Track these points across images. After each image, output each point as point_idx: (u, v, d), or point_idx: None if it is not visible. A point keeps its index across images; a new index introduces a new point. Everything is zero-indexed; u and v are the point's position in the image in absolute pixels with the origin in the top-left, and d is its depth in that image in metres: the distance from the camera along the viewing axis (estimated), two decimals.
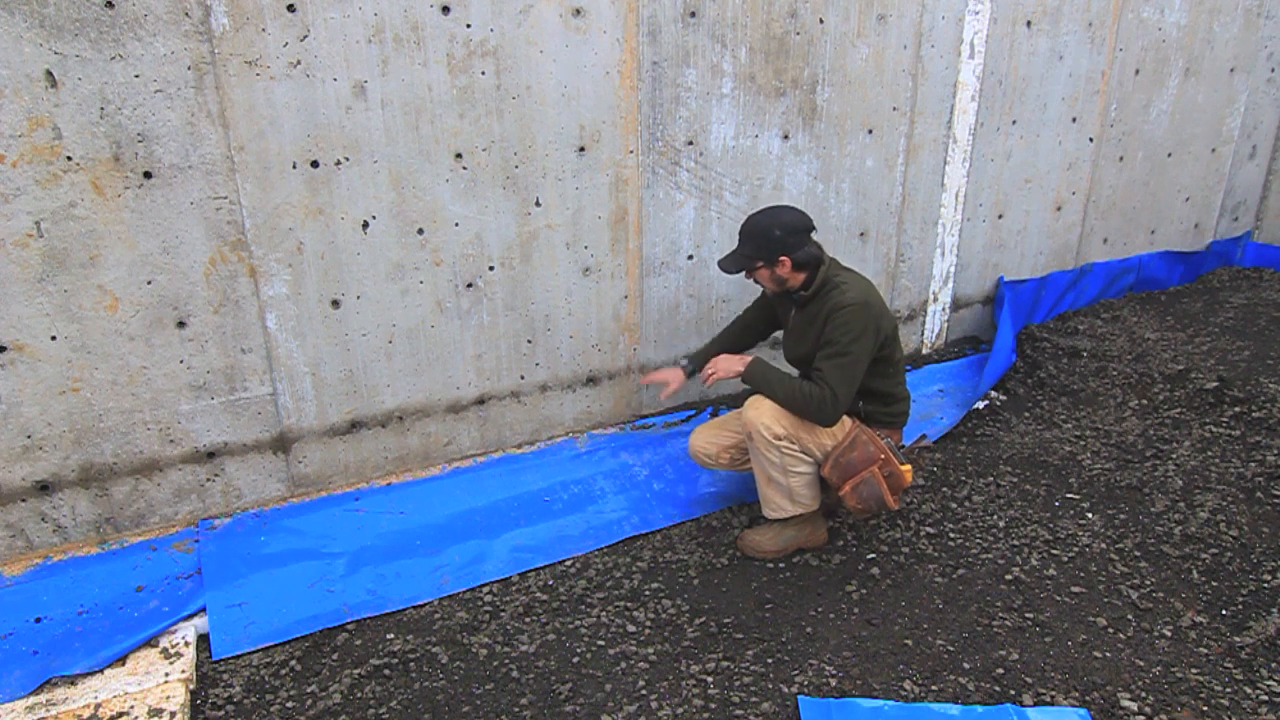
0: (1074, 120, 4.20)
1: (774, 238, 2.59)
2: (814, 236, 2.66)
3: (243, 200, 2.49)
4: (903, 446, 2.82)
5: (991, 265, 4.27)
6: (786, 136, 3.35)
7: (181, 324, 2.53)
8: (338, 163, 2.58)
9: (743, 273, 2.72)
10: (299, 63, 2.45)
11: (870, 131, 3.56)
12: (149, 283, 2.45)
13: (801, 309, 2.73)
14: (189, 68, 2.33)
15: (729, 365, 2.75)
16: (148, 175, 2.37)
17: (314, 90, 2.49)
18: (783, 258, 2.60)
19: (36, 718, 2.07)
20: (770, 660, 2.29)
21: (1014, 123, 4.00)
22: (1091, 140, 4.32)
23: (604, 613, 2.51)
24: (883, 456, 2.58)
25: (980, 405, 3.78)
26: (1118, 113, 4.35)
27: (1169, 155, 4.69)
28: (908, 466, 2.63)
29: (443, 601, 2.57)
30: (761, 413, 2.60)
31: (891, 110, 3.57)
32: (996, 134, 3.96)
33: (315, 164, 2.55)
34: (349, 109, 2.55)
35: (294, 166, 2.52)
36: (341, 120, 2.55)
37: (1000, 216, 4.18)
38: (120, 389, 2.51)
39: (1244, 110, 4.87)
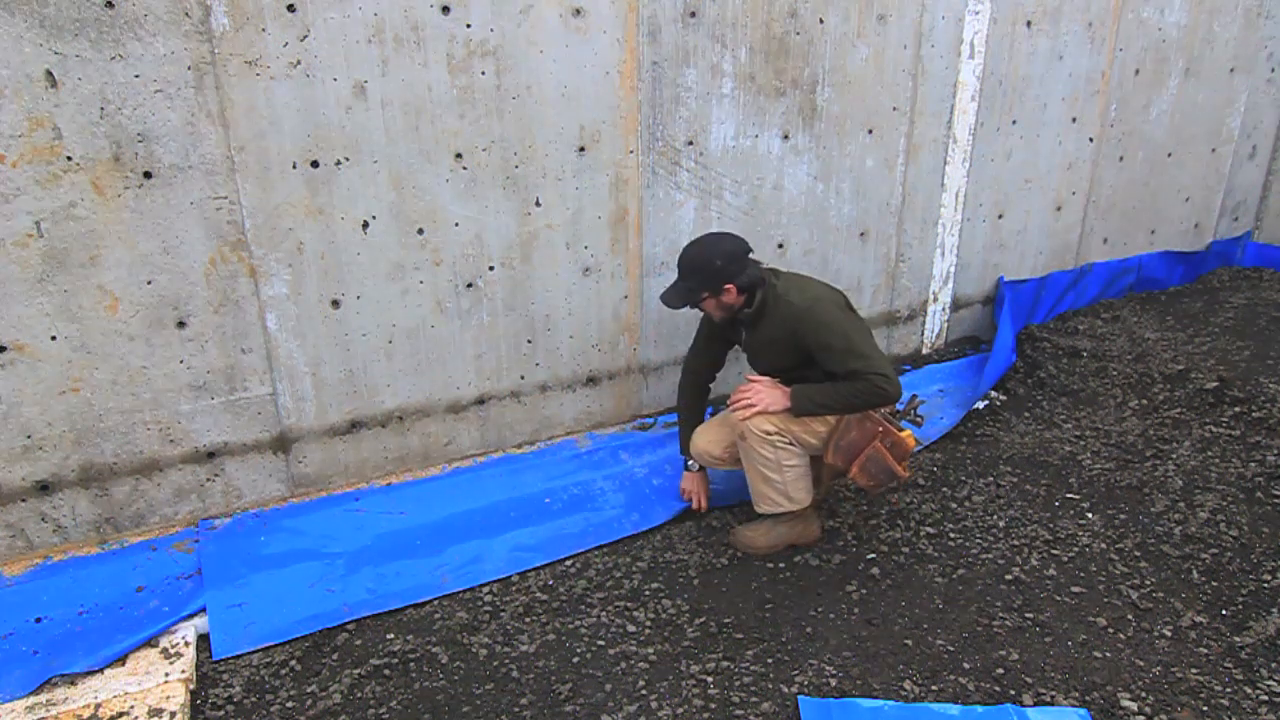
0: (1074, 120, 4.20)
1: (715, 268, 2.58)
2: (809, 237, 2.66)
3: (243, 200, 2.49)
4: (895, 413, 2.81)
5: (991, 265, 4.27)
6: (786, 136, 3.35)
7: (182, 324, 2.53)
8: (338, 163, 2.58)
9: (687, 306, 2.68)
10: (299, 63, 2.45)
11: (870, 131, 3.56)
12: (149, 283, 2.45)
13: (754, 328, 2.72)
14: (189, 68, 2.33)
15: (771, 399, 2.60)
16: (148, 175, 2.37)
17: (314, 90, 2.49)
18: (728, 285, 2.59)
19: (37, 717, 2.07)
20: (770, 660, 2.29)
21: (1014, 123, 4.00)
22: (1091, 140, 4.32)
23: (604, 613, 2.51)
24: (881, 429, 2.59)
25: (980, 405, 3.78)
26: (1118, 113, 4.35)
27: (1169, 155, 4.69)
28: (907, 432, 2.63)
29: (442, 601, 2.57)
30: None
31: (891, 110, 3.57)
32: (996, 134, 3.96)
33: (315, 164, 2.55)
34: (349, 109, 2.55)
35: (294, 166, 2.52)
36: (342, 120, 2.55)
37: (1000, 216, 4.17)
38: (120, 389, 2.51)
39: (1244, 110, 4.87)
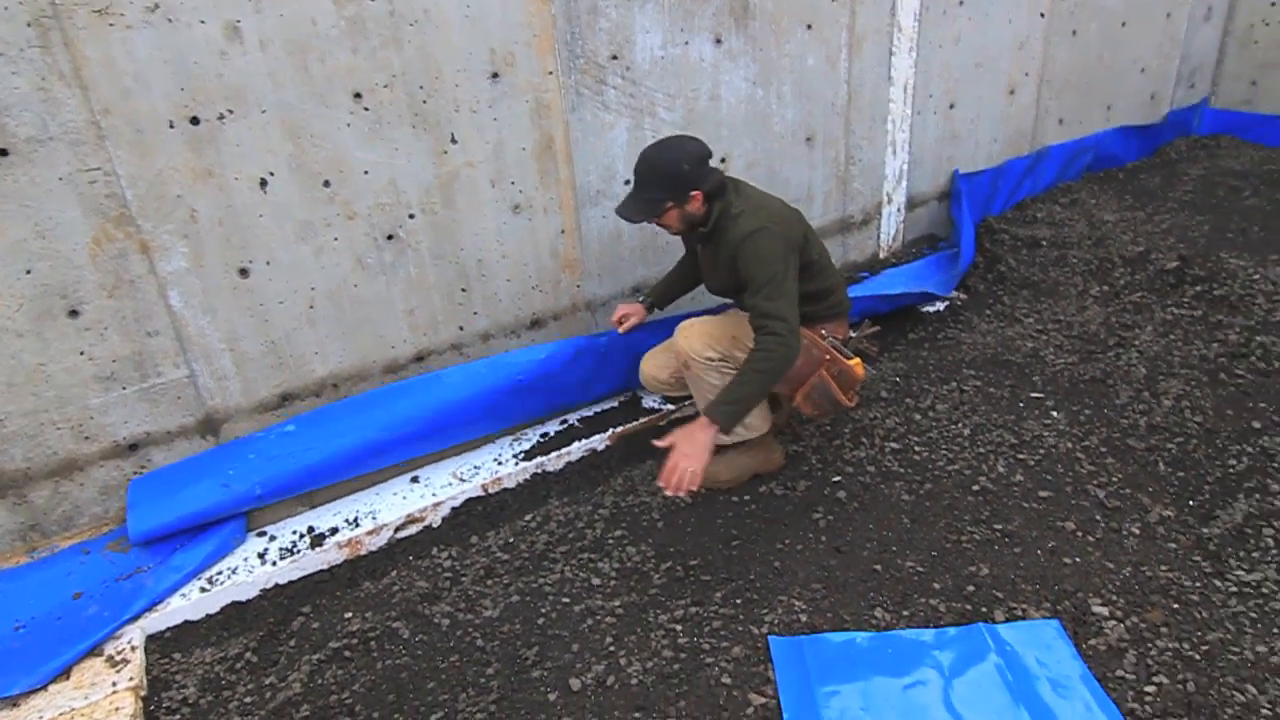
0: None
1: (683, 173, 2.36)
2: (752, 148, 2.47)
3: (119, 170, 2.24)
4: (848, 340, 2.69)
5: (945, 159, 4.10)
6: (719, 40, 3.10)
7: (74, 313, 2.31)
8: (220, 116, 2.32)
9: (649, 219, 2.45)
10: (157, 7, 2.15)
11: (809, 27, 3.31)
12: (27, 272, 2.22)
13: (706, 244, 2.56)
14: (28, 24, 2.04)
15: (695, 450, 2.21)
16: (4, 153, 2.10)
17: (179, 37, 2.20)
18: (694, 192, 2.39)
19: None
20: (739, 601, 2.24)
21: (961, 4, 3.76)
22: (1043, 15, 4.09)
23: (567, 567, 2.43)
24: (828, 357, 2.48)
25: (940, 307, 3.68)
26: None
27: (1123, 25, 4.48)
28: (856, 360, 2.52)
29: (401, 572, 2.48)
30: (692, 339, 2.49)
31: (830, 1, 3.31)
32: (944, 17, 3.72)
33: (195, 120, 2.29)
34: (223, 54, 2.27)
35: (171, 126, 2.26)
36: (217, 68, 2.27)
37: (952, 106, 3.98)
38: (18, 390, 2.31)
39: None
